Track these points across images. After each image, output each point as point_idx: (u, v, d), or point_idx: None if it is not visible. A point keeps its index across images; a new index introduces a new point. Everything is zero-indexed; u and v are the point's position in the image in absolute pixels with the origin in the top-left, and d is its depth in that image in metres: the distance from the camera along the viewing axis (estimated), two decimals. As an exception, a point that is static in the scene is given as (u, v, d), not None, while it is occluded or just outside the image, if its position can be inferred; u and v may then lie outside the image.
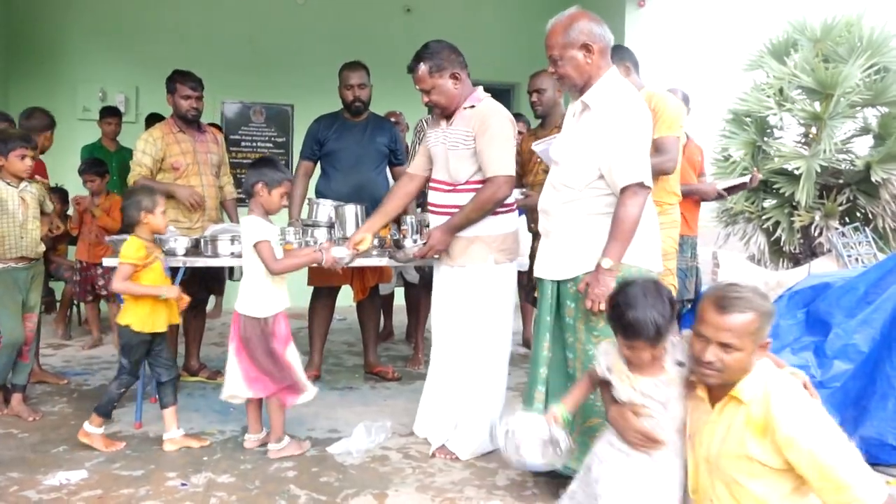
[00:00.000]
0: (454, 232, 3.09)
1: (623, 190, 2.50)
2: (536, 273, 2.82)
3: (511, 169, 3.04)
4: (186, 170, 4.01)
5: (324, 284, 4.21)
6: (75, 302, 5.54)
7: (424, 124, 4.59)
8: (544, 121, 4.12)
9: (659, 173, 3.33)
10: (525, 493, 2.80)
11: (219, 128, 5.58)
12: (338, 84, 4.21)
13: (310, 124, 4.29)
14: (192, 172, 4.03)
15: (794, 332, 3.63)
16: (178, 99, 3.98)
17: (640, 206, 2.49)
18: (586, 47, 2.59)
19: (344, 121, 4.22)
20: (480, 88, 3.18)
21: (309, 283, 4.25)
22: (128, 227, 3.21)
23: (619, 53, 3.44)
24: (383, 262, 3.61)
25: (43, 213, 3.69)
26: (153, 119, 5.45)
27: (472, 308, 3.11)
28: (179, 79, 4.00)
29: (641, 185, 2.49)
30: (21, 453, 3.08)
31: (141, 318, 3.10)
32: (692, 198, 3.90)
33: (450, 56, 3.12)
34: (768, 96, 8.05)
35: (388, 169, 4.38)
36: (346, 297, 4.46)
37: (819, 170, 7.74)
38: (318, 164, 4.30)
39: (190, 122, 4.06)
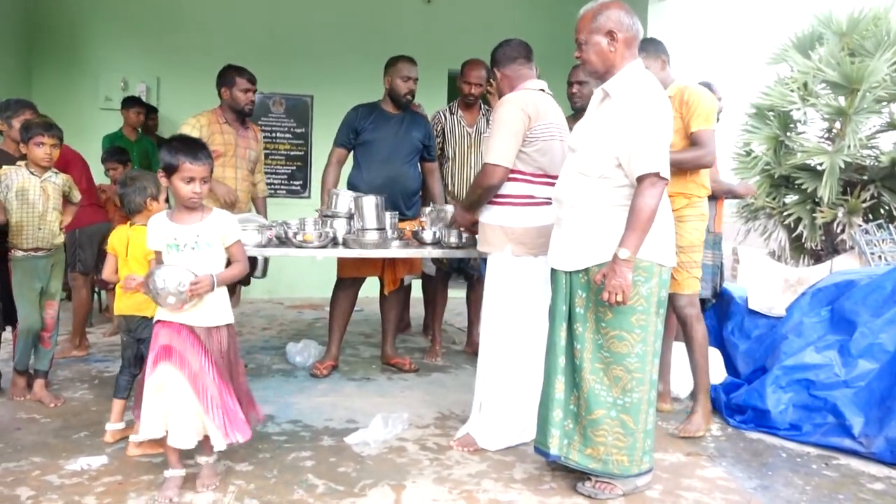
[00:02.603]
0: (467, 209, 3.33)
1: (640, 180, 2.48)
2: (549, 263, 2.82)
3: (501, 158, 2.98)
4: (224, 161, 4.07)
5: (356, 275, 4.22)
6: (96, 290, 5.59)
7: (443, 117, 4.58)
8: (576, 113, 4.10)
9: (697, 167, 3.35)
10: (542, 486, 2.79)
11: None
12: (384, 75, 4.22)
13: (347, 112, 4.29)
14: (229, 164, 4.12)
15: (818, 330, 3.59)
16: (236, 92, 4.06)
17: (657, 197, 2.47)
18: (611, 34, 2.59)
19: (382, 112, 4.23)
20: (530, 82, 3.16)
21: (340, 275, 4.25)
22: (129, 214, 3.10)
23: (656, 47, 3.47)
24: (413, 253, 3.67)
25: (70, 202, 3.72)
26: (129, 102, 5.60)
27: (491, 297, 3.14)
28: (237, 73, 4.09)
29: (658, 175, 2.47)
30: (43, 438, 3.11)
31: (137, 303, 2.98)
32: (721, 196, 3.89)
33: (502, 53, 3.25)
34: (792, 91, 7.94)
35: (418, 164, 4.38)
36: (364, 289, 4.45)
37: (843, 166, 7.63)
38: (351, 155, 4.30)
39: (240, 116, 4.14)
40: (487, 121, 4.42)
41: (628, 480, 2.68)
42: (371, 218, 3.61)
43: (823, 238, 8.26)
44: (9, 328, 3.69)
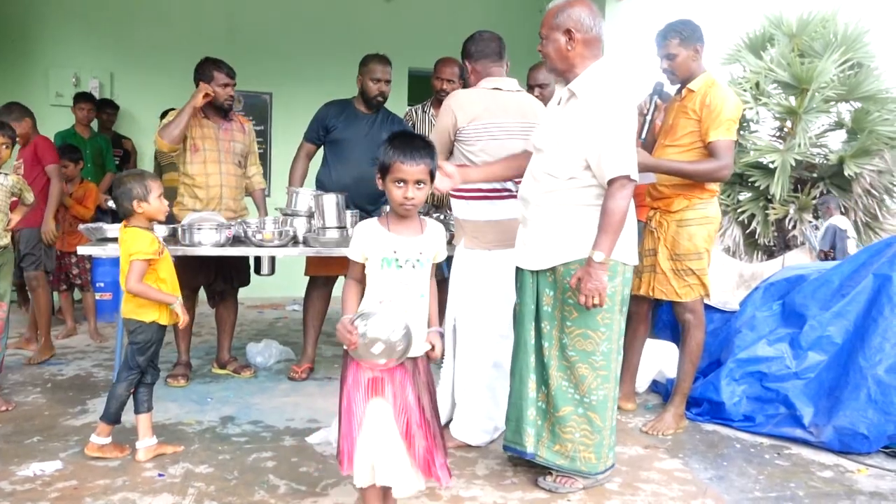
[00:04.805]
0: None
1: (610, 182, 2.50)
2: (516, 262, 2.83)
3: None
4: (205, 156, 3.92)
5: (321, 273, 4.18)
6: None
7: (414, 114, 4.57)
8: None
9: (711, 181, 3.24)
10: (504, 482, 2.81)
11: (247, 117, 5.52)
12: (358, 73, 4.15)
13: (319, 108, 4.24)
14: (211, 159, 3.94)
15: (769, 324, 3.70)
16: (215, 88, 3.88)
17: (627, 199, 2.50)
18: (569, 33, 2.61)
19: (353, 110, 4.18)
20: (487, 80, 3.17)
21: (306, 273, 4.20)
22: (123, 217, 2.93)
23: (691, 33, 3.27)
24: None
25: (23, 203, 3.65)
26: (78, 99, 5.55)
27: (452, 288, 3.17)
28: (215, 67, 3.92)
29: (628, 177, 2.50)
30: (-6, 444, 3.03)
31: (168, 310, 2.91)
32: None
33: (474, 47, 3.24)
34: (745, 90, 8.13)
35: None
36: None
37: (794, 164, 7.84)
38: (323, 152, 4.26)
39: (219, 110, 3.99)
40: None
41: (591, 476, 2.71)
42: (331, 216, 3.59)
43: (776, 234, 8.48)
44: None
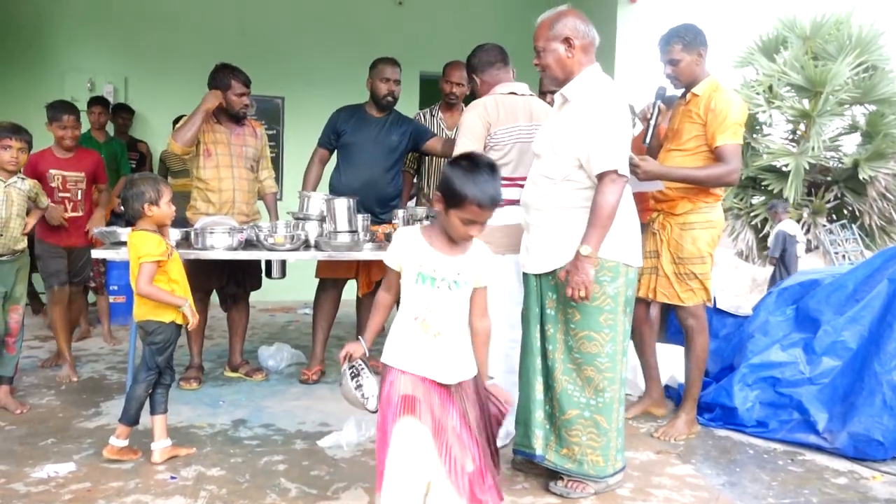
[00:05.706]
0: None
1: (600, 177, 2.53)
2: (520, 266, 2.86)
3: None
4: (217, 161, 3.95)
5: (330, 276, 4.19)
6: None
7: (423, 118, 4.58)
8: None
9: (720, 185, 3.25)
10: (516, 486, 2.80)
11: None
12: (368, 77, 4.18)
13: (332, 113, 4.27)
14: (224, 164, 3.97)
15: (783, 329, 3.67)
16: (231, 96, 3.92)
17: (617, 194, 2.52)
18: (568, 41, 2.67)
19: (363, 114, 4.20)
20: (501, 86, 3.21)
21: (317, 275, 4.23)
22: (130, 220, 2.96)
23: (694, 38, 3.27)
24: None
25: (38, 207, 3.68)
26: (91, 103, 5.52)
27: None
28: (232, 75, 3.95)
29: (617, 172, 2.52)
30: (8, 446, 3.05)
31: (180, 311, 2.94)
32: None
33: (478, 59, 3.35)
34: (758, 93, 8.10)
35: (402, 166, 4.36)
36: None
37: (807, 167, 7.80)
38: (336, 157, 4.29)
39: (233, 116, 4.02)
40: None
41: (601, 480, 2.71)
42: (343, 220, 3.60)
43: (789, 238, 8.40)
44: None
